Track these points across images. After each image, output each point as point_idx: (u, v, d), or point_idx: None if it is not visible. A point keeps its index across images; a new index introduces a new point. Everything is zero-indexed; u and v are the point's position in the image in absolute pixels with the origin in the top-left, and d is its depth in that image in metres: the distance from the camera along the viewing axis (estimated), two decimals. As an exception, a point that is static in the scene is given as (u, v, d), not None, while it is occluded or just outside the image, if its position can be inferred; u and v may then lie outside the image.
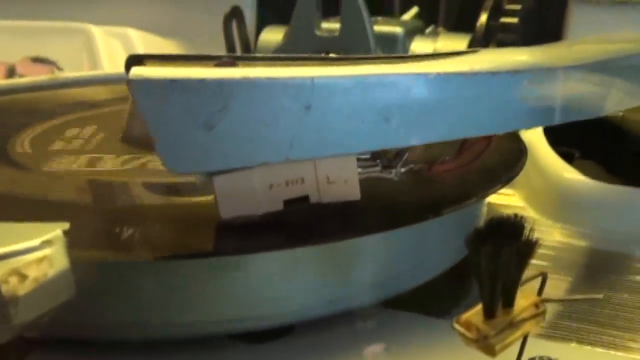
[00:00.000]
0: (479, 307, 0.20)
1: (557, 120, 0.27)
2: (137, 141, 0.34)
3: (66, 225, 0.20)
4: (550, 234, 0.39)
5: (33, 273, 0.18)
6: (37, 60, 0.63)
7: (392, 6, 0.72)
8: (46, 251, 0.19)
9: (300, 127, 0.22)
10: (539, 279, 0.21)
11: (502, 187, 0.29)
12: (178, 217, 0.26)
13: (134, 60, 0.22)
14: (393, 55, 0.26)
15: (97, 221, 0.26)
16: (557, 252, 0.37)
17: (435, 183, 0.28)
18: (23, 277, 0.18)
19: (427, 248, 0.29)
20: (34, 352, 0.25)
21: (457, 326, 0.19)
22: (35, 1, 0.68)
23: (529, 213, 0.41)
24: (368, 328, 0.27)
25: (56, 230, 0.19)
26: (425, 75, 0.24)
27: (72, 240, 0.19)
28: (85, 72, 0.56)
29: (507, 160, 0.33)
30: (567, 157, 0.44)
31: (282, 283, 0.25)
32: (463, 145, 0.27)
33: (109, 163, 0.32)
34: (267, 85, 0.22)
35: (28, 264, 0.18)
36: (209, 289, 0.24)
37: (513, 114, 0.25)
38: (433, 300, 0.30)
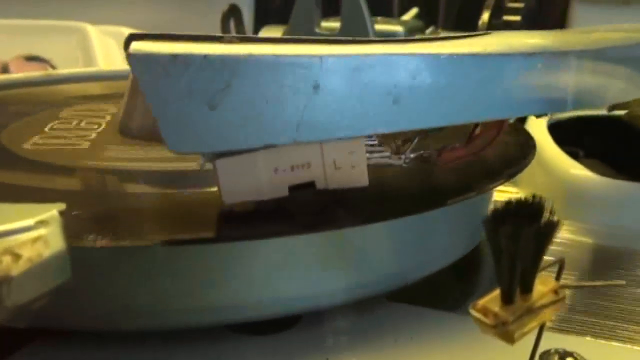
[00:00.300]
0: (496, 293, 0.19)
1: (570, 106, 0.26)
2: (134, 133, 0.33)
3: (62, 206, 0.19)
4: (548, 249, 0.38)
5: (27, 253, 0.17)
6: (31, 58, 0.62)
7: (391, 7, 0.71)
8: (41, 231, 0.18)
9: (307, 108, 0.21)
10: (556, 266, 0.20)
11: (511, 178, 0.29)
12: (175, 204, 0.25)
13: (135, 38, 0.21)
14: (403, 37, 0.25)
15: (92, 207, 0.25)
16: (564, 248, 0.36)
17: (443, 171, 0.27)
18: (17, 256, 0.17)
19: (432, 239, 0.28)
20: (25, 346, 0.24)
21: (473, 312, 0.18)
22: (30, 0, 0.67)
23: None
24: (374, 321, 0.27)
25: (52, 211, 0.18)
26: (436, 55, 0.23)
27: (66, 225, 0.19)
28: (80, 69, 0.55)
29: (515, 153, 0.32)
30: (572, 156, 0.43)
31: (284, 271, 0.24)
32: (473, 132, 0.27)
33: (107, 152, 0.31)
34: (274, 63, 0.21)
35: (22, 243, 0.17)
36: (209, 275, 0.23)
37: (525, 98, 0.25)
38: (439, 294, 0.29)
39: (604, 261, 0.35)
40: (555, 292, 0.19)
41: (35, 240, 0.17)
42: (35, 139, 0.33)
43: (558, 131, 0.47)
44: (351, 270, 0.25)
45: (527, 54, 0.24)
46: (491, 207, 0.32)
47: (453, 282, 0.31)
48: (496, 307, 0.18)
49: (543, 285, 0.19)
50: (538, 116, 0.28)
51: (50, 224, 0.18)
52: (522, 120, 0.45)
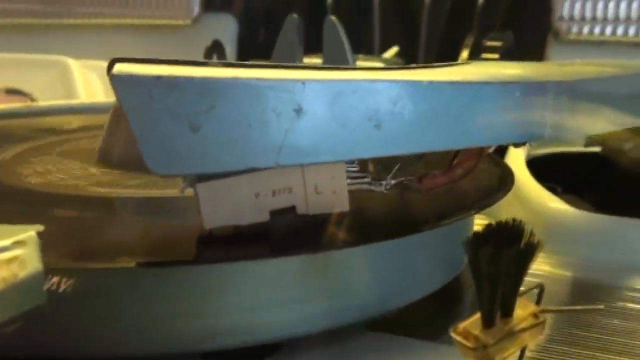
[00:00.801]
0: (477, 316, 0.19)
1: (548, 136, 0.26)
2: (114, 162, 0.33)
3: (40, 228, 0.19)
4: (535, 264, 0.38)
5: (2, 273, 0.17)
6: (11, 92, 0.62)
7: (372, 45, 0.72)
8: (17, 252, 0.17)
9: (290, 131, 0.21)
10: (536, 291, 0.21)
11: (488, 207, 0.29)
12: (153, 230, 0.25)
13: (118, 61, 0.21)
14: (385, 66, 0.25)
15: (67, 230, 0.25)
16: (542, 281, 0.36)
17: (423, 199, 0.27)
18: (-8, 275, 0.17)
19: (411, 266, 0.28)
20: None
21: (454, 335, 0.18)
22: (12, 34, 0.67)
23: (513, 243, 0.40)
24: (353, 350, 0.26)
25: (29, 232, 0.18)
26: (417, 82, 0.23)
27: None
28: (61, 101, 0.55)
29: (494, 184, 0.32)
30: (550, 192, 0.44)
31: (259, 297, 0.24)
32: (452, 161, 0.27)
33: (87, 180, 0.31)
34: (257, 86, 0.21)
35: (-1, 262, 0.17)
36: (183, 301, 0.23)
37: (504, 126, 0.25)
38: (420, 323, 0.29)
39: (582, 294, 0.35)
40: (535, 316, 0.19)
41: (10, 260, 0.17)
42: (15, 168, 0.33)
43: (535, 167, 0.48)
44: (329, 296, 0.25)
45: (505, 82, 0.25)
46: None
47: (433, 312, 0.31)
48: (477, 330, 0.18)
49: (523, 310, 0.19)
50: (516, 145, 0.28)
51: (27, 244, 0.18)
52: (501, 154, 0.45)
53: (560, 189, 0.51)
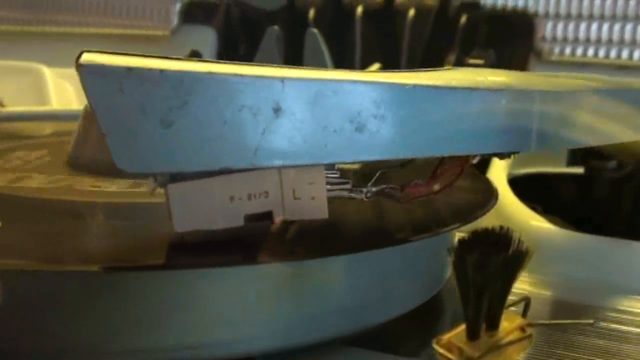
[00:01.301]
0: (461, 328, 0.18)
1: (533, 146, 0.25)
2: (83, 166, 0.32)
3: (-1, 224, 0.17)
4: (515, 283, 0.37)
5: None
6: (-18, 98, 0.61)
7: (353, 61, 0.72)
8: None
9: (267, 131, 0.20)
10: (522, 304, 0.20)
11: (472, 221, 0.28)
12: (121, 235, 0.24)
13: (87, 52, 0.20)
14: (369, 70, 0.24)
15: (30, 235, 0.23)
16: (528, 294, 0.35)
17: (403, 209, 0.26)
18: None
19: (390, 280, 0.27)
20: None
21: (437, 347, 0.17)
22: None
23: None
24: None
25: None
26: (401, 85, 0.22)
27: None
28: (32, 107, 0.54)
29: (477, 199, 0.31)
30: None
31: (226, 307, 0.23)
32: (436, 171, 0.26)
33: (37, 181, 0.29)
34: (234, 82, 0.20)
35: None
36: (149, 312, 0.22)
37: (489, 134, 0.24)
38: (399, 340, 0.28)
39: (563, 314, 0.34)
40: (522, 329, 0.18)
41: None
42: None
43: (516, 187, 0.47)
44: (304, 308, 0.24)
45: (491, 89, 0.24)
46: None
47: (413, 328, 0.30)
48: (461, 343, 0.17)
49: (510, 322, 0.18)
50: (501, 157, 0.27)
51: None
52: (482, 172, 0.44)
53: (540, 208, 0.51)
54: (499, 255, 0.17)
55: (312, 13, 0.80)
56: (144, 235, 0.24)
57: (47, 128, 0.49)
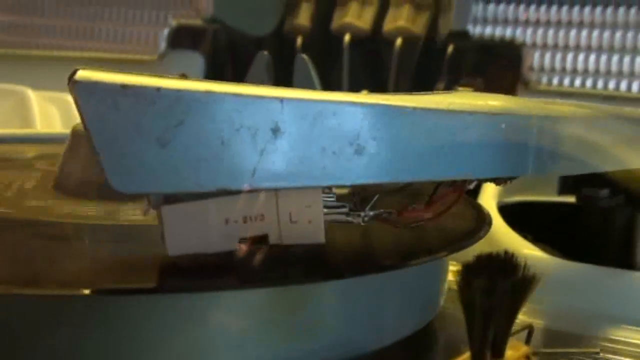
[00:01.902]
0: (465, 355, 0.17)
1: (530, 170, 0.25)
2: (70, 189, 0.31)
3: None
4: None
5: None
6: (-36, 120, 0.60)
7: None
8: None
9: (266, 152, 0.20)
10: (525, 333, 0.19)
11: (465, 248, 0.27)
12: (110, 258, 0.23)
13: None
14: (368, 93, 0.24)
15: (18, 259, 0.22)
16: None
17: (398, 235, 0.26)
18: None
19: (384, 305, 0.26)
20: None
21: (442, 376, 0.17)
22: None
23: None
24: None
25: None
26: (401, 108, 0.22)
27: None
28: (16, 130, 0.53)
29: (471, 226, 0.31)
30: (521, 238, 0.42)
31: (213, 333, 0.22)
32: (432, 196, 0.26)
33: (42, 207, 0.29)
34: (232, 102, 0.19)
35: None
36: (136, 338, 0.21)
37: (488, 158, 0.24)
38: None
39: (558, 344, 0.34)
40: (527, 358, 0.18)
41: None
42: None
43: (506, 215, 0.47)
44: (291, 335, 0.24)
45: (491, 113, 0.24)
46: (445, 277, 0.32)
47: (406, 358, 0.29)
48: (466, 371, 0.17)
49: (514, 350, 0.18)
50: (498, 183, 0.27)
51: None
52: (473, 198, 0.44)
53: (530, 237, 0.50)
54: (507, 279, 0.16)
55: (300, 40, 0.80)
56: (131, 257, 0.23)
57: (31, 151, 0.48)
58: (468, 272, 0.17)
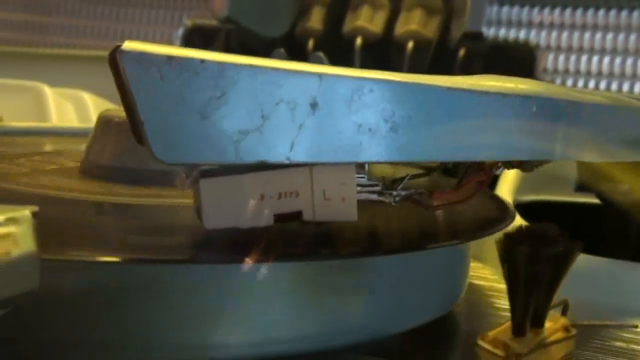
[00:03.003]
0: (505, 325, 0.17)
1: (558, 155, 0.25)
2: (97, 174, 0.32)
3: (35, 208, 0.17)
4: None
5: (-5, 248, 0.15)
6: (-21, 114, 0.60)
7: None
8: (11, 228, 0.16)
9: (304, 127, 0.20)
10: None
11: (494, 233, 0.28)
12: (144, 232, 0.24)
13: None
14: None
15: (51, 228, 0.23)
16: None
17: (430, 214, 0.26)
18: (-17, 250, 0.15)
19: (408, 287, 0.26)
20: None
21: (482, 343, 0.17)
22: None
23: (503, 285, 0.39)
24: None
25: (24, 211, 0.17)
26: (436, 87, 0.22)
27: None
28: (34, 123, 0.54)
29: (494, 215, 0.31)
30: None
31: (244, 308, 0.22)
32: (462, 179, 0.26)
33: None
34: (273, 75, 0.20)
35: (-11, 237, 0.15)
36: (172, 309, 0.21)
37: (518, 140, 0.24)
38: (416, 351, 0.28)
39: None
40: (566, 329, 0.18)
41: (4, 237, 0.15)
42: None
43: (521, 213, 0.47)
44: (322, 313, 0.24)
45: (523, 96, 0.24)
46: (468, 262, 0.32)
47: (428, 341, 0.29)
48: (507, 339, 0.17)
49: (553, 322, 0.18)
50: (524, 169, 0.27)
51: (21, 223, 0.16)
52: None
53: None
54: (550, 248, 0.16)
55: (311, 43, 0.81)
56: (169, 232, 0.24)
57: (47, 144, 0.48)
58: (511, 240, 0.17)
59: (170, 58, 0.19)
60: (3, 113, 0.61)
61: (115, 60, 0.19)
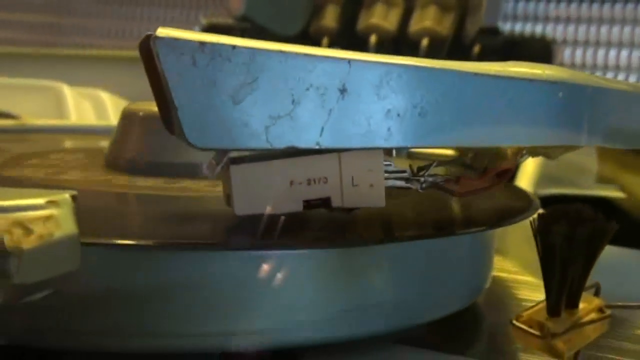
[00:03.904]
0: (540, 306, 0.18)
1: (584, 141, 0.26)
2: (121, 166, 0.32)
3: (74, 192, 0.17)
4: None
5: (39, 229, 0.15)
6: (0, 114, 0.61)
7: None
8: (53, 211, 0.16)
9: (333, 111, 0.20)
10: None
11: (518, 221, 0.28)
12: (174, 219, 0.24)
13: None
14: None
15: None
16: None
17: (446, 205, 0.26)
18: (28, 230, 0.15)
19: (436, 275, 0.26)
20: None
21: (517, 323, 0.17)
22: (10, 61, 0.66)
23: (525, 277, 0.39)
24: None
25: (64, 194, 0.17)
26: (463, 73, 0.22)
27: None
28: (55, 121, 0.54)
29: (517, 204, 0.31)
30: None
31: (275, 294, 0.23)
32: (487, 167, 0.26)
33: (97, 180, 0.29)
34: (303, 60, 0.20)
35: (34, 219, 0.15)
36: (200, 297, 0.22)
37: (544, 126, 0.24)
38: (446, 338, 0.28)
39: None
40: (601, 310, 0.18)
41: (47, 218, 0.16)
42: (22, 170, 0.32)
43: (541, 206, 0.47)
44: (352, 300, 0.24)
45: (550, 82, 0.24)
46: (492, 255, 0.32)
47: (457, 329, 0.29)
48: (542, 319, 0.17)
49: (588, 303, 0.18)
50: (549, 157, 0.27)
51: (61, 206, 0.16)
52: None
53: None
54: (586, 226, 0.16)
55: (325, 41, 0.81)
56: (197, 217, 0.24)
57: (68, 141, 0.49)
58: (546, 219, 0.17)
59: (202, 44, 0.19)
60: (24, 112, 0.62)
61: (148, 47, 0.20)
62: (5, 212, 0.15)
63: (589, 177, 0.48)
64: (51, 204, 0.16)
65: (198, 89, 0.19)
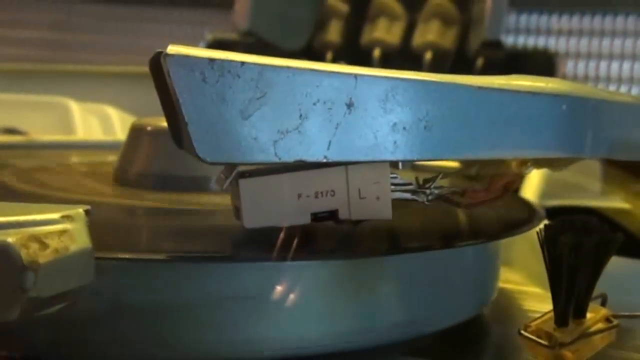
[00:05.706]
0: (548, 316, 0.18)
1: (587, 153, 0.26)
2: (131, 182, 0.32)
3: (87, 207, 0.18)
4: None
5: (54, 244, 0.16)
6: (8, 130, 0.61)
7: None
8: (67, 225, 0.16)
9: (340, 126, 0.21)
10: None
11: (523, 232, 0.28)
12: (183, 232, 0.24)
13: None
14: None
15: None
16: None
17: (452, 217, 0.26)
18: (44, 245, 0.15)
19: (444, 286, 0.27)
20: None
21: (526, 334, 0.17)
22: (17, 77, 0.67)
23: (531, 288, 0.39)
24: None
25: (77, 209, 0.17)
26: (467, 86, 0.22)
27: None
28: (62, 137, 0.54)
29: (521, 215, 0.32)
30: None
31: (281, 304, 0.23)
32: (492, 178, 0.26)
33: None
34: (310, 76, 0.20)
35: (49, 233, 0.16)
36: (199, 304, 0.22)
37: (548, 138, 0.24)
38: (452, 351, 0.28)
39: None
40: (608, 320, 0.18)
41: (61, 233, 0.16)
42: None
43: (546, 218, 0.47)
44: (358, 309, 0.24)
45: (553, 94, 0.24)
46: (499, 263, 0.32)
47: (463, 341, 0.29)
48: (550, 329, 0.17)
49: (595, 313, 0.18)
50: (554, 168, 0.28)
51: (75, 220, 0.17)
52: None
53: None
54: (592, 237, 0.17)
55: (329, 55, 0.81)
56: (206, 231, 0.24)
57: (75, 157, 0.49)
58: (553, 230, 0.17)
59: (212, 60, 0.19)
60: (32, 128, 0.62)
61: (158, 64, 0.20)
62: (21, 226, 0.15)
63: (593, 188, 0.48)
64: (66, 218, 0.16)
65: (208, 105, 0.19)
